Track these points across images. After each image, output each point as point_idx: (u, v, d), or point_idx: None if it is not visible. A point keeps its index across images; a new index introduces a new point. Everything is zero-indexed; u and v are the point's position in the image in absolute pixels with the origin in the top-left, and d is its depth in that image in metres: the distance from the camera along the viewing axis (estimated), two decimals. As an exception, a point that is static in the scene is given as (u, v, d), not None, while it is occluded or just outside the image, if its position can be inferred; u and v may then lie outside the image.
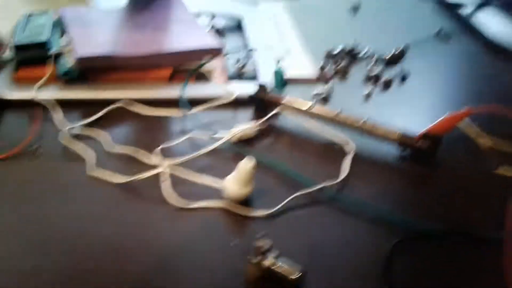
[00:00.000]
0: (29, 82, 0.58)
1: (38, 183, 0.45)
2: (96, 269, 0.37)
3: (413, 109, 0.60)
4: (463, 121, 0.51)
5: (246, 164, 0.43)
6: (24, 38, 0.60)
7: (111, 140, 0.51)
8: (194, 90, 0.60)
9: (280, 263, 0.36)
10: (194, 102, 0.57)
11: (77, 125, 0.53)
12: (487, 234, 0.42)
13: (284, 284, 0.36)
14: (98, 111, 0.55)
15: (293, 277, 0.35)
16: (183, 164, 0.48)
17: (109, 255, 0.39)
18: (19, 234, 0.40)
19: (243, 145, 0.52)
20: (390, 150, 0.52)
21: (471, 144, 0.53)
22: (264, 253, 0.36)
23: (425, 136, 0.49)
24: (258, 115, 0.57)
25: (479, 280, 0.38)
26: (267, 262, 0.36)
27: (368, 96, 0.62)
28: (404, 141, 0.50)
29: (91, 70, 0.59)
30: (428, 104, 0.62)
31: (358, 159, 0.51)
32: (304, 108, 0.54)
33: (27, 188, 0.45)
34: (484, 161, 0.50)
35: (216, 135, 0.52)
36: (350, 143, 0.52)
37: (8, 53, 0.61)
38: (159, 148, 0.50)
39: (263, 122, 0.53)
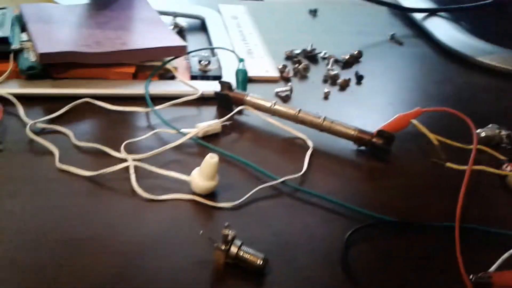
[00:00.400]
0: (-11, 77, 0.57)
1: (5, 177, 0.45)
2: (68, 261, 0.38)
3: (368, 109, 0.64)
4: (415, 120, 0.55)
5: (210, 159, 0.44)
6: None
7: (77, 134, 0.51)
8: (158, 87, 0.61)
9: (244, 251, 0.38)
10: (158, 99, 0.58)
11: (42, 119, 0.53)
12: (439, 223, 0.45)
13: (250, 270, 0.38)
14: (62, 107, 0.55)
15: (260, 262, 0.37)
16: (149, 159, 0.49)
17: (80, 246, 0.39)
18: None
19: (208, 140, 0.53)
20: (347, 146, 0.55)
21: (422, 141, 0.56)
22: (231, 241, 0.38)
23: (380, 133, 0.52)
24: (222, 112, 0.58)
25: (429, 266, 0.42)
26: (234, 249, 0.38)
27: (326, 95, 0.65)
28: (360, 138, 0.53)
29: (54, 66, 0.59)
30: (383, 104, 0.65)
31: (317, 154, 0.53)
32: (267, 106, 0.56)
33: (-10, 182, 0.44)
34: (433, 156, 0.54)
35: (181, 131, 0.53)
36: (310, 139, 0.55)
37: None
38: (126, 142, 0.50)
39: (227, 118, 0.55)
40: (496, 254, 0.41)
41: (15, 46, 0.59)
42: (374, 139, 0.52)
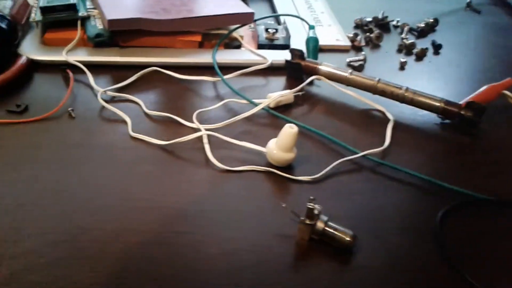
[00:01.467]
0: (57, 44, 0.57)
1: (80, 144, 0.44)
2: (141, 228, 0.37)
3: (448, 80, 0.59)
4: (507, 91, 0.50)
5: (290, 129, 0.42)
6: (53, 0, 0.58)
7: (146, 103, 0.50)
8: (225, 56, 0.58)
9: (332, 226, 0.36)
10: (224, 68, 0.56)
11: (112, 87, 0.51)
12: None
13: (336, 246, 0.36)
14: (129, 76, 0.54)
15: (349, 239, 0.35)
16: (222, 129, 0.47)
17: (154, 214, 0.38)
18: (64, 193, 0.39)
19: (280, 111, 0.51)
20: (429, 119, 0.51)
21: (511, 114, 0.52)
22: (317, 216, 0.35)
23: (469, 105, 0.48)
24: (291, 82, 0.56)
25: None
26: (321, 224, 0.35)
27: (402, 66, 0.61)
28: (447, 110, 0.49)
29: (120, 34, 0.57)
30: (463, 74, 0.60)
31: (398, 127, 0.50)
32: (343, 75, 0.53)
33: (69, 148, 0.44)
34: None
35: (252, 101, 0.50)
36: (389, 111, 0.51)
37: (34, 15, 0.59)
38: (197, 112, 0.48)
39: (300, 88, 0.52)
40: None
41: (82, 13, 0.58)
42: (462, 111, 0.48)
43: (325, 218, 0.36)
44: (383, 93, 0.51)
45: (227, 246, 0.36)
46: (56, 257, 0.34)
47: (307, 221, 0.35)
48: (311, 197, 0.36)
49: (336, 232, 0.35)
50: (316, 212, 0.35)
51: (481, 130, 0.50)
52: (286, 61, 0.56)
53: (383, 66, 0.61)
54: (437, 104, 0.49)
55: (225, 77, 0.54)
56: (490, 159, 0.47)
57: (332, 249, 0.36)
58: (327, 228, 0.35)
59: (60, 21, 0.58)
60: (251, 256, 0.35)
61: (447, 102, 0.49)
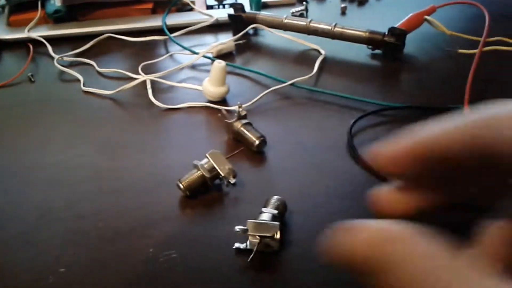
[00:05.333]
0: (22, 25, 0.62)
1: (40, 101, 0.50)
2: (94, 167, 0.41)
3: (390, 22, 0.62)
4: (428, 17, 0.54)
5: (218, 64, 0.46)
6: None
7: (101, 65, 0.55)
8: (176, 18, 0.63)
9: (247, 129, 0.40)
10: (177, 29, 0.60)
11: (69, 53, 0.57)
12: (447, 106, 0.44)
13: (248, 147, 0.40)
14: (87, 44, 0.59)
15: (255, 139, 0.39)
16: (165, 76, 0.52)
17: (104, 145, 0.43)
18: (31, 141, 0.44)
19: (224, 59, 0.55)
20: (361, 53, 0.55)
21: (439, 40, 0.55)
22: (238, 116, 0.40)
23: (391, 31, 0.52)
24: (236, 34, 0.60)
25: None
26: (238, 124, 0.40)
27: (343, 11, 0.65)
28: (372, 39, 0.53)
29: (78, 9, 0.62)
30: (402, 15, 0.63)
31: (332, 61, 0.54)
32: (278, 20, 0.57)
33: (30, 105, 0.49)
34: (447, 46, 0.53)
35: (194, 51, 0.55)
36: (323, 48, 0.55)
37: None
38: (143, 64, 0.53)
39: (240, 36, 0.56)
40: None
41: (41, -6, 0.64)
42: (385, 38, 0.52)
43: (245, 121, 0.40)
44: (315, 32, 0.55)
45: (163, 164, 0.40)
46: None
47: (231, 119, 0.40)
48: (239, 103, 0.40)
49: (247, 133, 0.40)
50: (241, 113, 0.40)
51: (408, 56, 0.54)
52: (229, 15, 0.60)
53: (325, 13, 0.65)
54: (363, 35, 0.53)
55: (173, 34, 0.59)
56: (414, 78, 0.50)
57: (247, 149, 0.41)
58: (242, 128, 0.40)
59: (24, 3, 0.63)
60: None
61: (372, 32, 0.52)
